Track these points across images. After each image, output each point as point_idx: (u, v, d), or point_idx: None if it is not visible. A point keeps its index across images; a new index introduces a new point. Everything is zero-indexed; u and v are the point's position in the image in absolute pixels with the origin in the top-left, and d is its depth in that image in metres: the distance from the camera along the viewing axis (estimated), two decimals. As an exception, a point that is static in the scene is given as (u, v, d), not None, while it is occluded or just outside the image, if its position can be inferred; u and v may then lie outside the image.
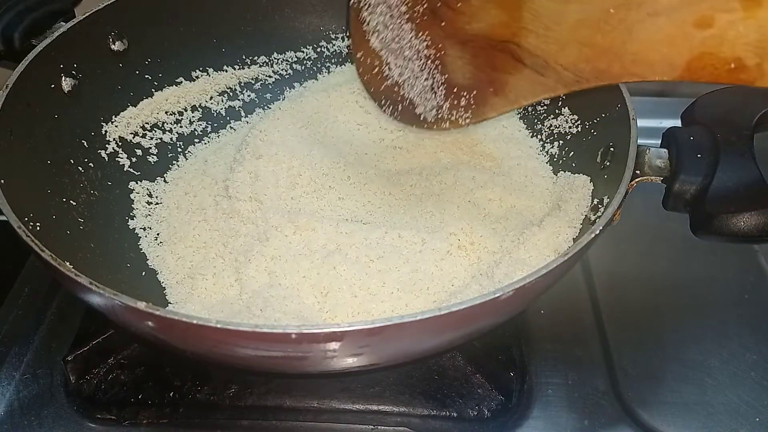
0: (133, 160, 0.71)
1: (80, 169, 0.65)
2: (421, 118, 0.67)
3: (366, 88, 0.71)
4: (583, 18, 0.51)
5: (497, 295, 0.43)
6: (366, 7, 0.67)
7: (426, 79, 0.65)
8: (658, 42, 0.47)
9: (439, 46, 0.63)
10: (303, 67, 0.82)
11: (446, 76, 0.64)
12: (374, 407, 0.60)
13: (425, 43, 0.64)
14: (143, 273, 0.63)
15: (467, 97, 0.63)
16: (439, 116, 0.66)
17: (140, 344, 0.63)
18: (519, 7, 0.55)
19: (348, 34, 0.72)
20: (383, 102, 0.70)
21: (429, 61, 0.64)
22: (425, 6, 0.63)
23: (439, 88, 0.65)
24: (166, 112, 0.75)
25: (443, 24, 0.62)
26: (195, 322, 0.41)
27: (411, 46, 0.65)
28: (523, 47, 0.56)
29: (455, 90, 0.64)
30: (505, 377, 0.60)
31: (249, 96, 0.80)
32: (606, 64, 0.51)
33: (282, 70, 0.82)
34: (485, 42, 0.59)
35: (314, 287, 0.58)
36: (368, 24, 0.67)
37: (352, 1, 0.69)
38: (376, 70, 0.68)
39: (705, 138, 0.54)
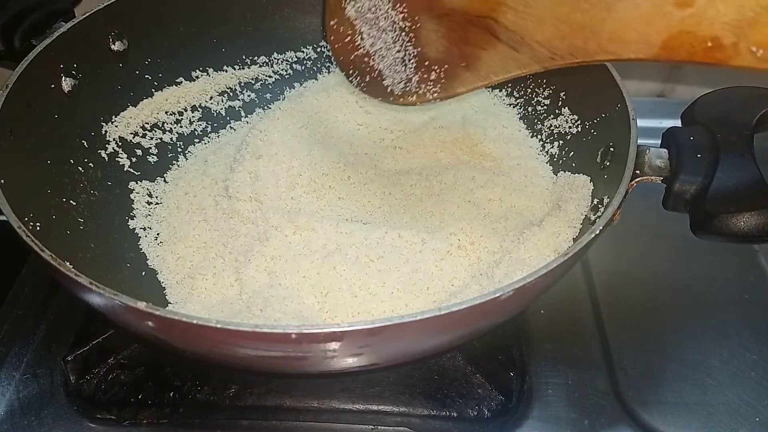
0: (133, 160, 0.71)
1: (80, 169, 0.65)
2: (389, 91, 0.67)
3: (335, 57, 0.70)
4: None
5: (497, 295, 0.43)
6: None
7: (398, 51, 0.64)
8: (636, 20, 0.47)
9: (416, 18, 0.62)
10: (303, 67, 0.82)
11: (419, 48, 0.63)
12: (374, 407, 0.60)
13: (402, 15, 0.63)
14: (143, 273, 0.63)
15: (438, 71, 0.62)
16: (407, 89, 0.65)
17: (140, 344, 0.63)
18: None
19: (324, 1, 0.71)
20: (351, 72, 0.69)
21: (403, 33, 0.64)
22: None
23: (410, 60, 0.64)
24: (166, 112, 0.75)
25: None
26: (195, 322, 0.41)
27: (387, 16, 0.64)
28: (500, 22, 0.56)
29: (426, 63, 0.63)
30: (505, 377, 0.60)
31: (249, 96, 0.80)
32: (582, 42, 0.51)
33: (282, 70, 0.82)
34: (462, 16, 0.59)
35: (314, 287, 0.58)
36: None
37: None
38: (348, 39, 0.67)
39: (705, 138, 0.54)
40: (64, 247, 0.56)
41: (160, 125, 0.75)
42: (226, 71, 0.79)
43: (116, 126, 0.71)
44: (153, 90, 0.75)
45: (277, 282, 0.58)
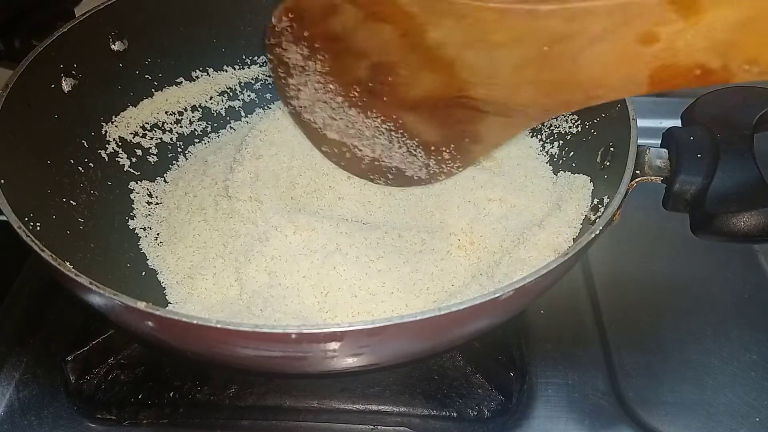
0: (133, 160, 0.71)
1: (80, 169, 0.65)
2: (414, 178, 0.65)
3: (348, 172, 0.68)
4: (520, 62, 0.48)
5: (497, 295, 0.43)
6: (304, 109, 0.64)
7: (399, 147, 0.62)
8: (610, 65, 0.44)
9: (394, 117, 0.60)
10: (303, 67, 0.82)
11: (416, 139, 0.61)
12: (374, 407, 0.60)
13: (379, 119, 0.61)
14: (143, 273, 0.63)
15: (448, 151, 0.61)
16: (431, 172, 0.63)
17: (140, 344, 0.63)
18: (451, 66, 0.51)
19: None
20: (372, 177, 0.67)
21: (392, 133, 0.61)
22: (359, 90, 0.59)
23: (416, 150, 0.62)
24: (166, 112, 0.75)
25: (385, 99, 0.58)
26: (195, 322, 0.41)
27: (367, 126, 0.62)
28: (476, 98, 0.53)
29: (433, 149, 0.61)
30: (505, 377, 0.60)
31: (249, 96, 0.80)
32: (568, 95, 0.48)
33: (282, 70, 0.82)
34: (436, 102, 0.56)
35: (314, 287, 0.58)
36: (315, 123, 0.65)
37: (290, 111, 0.66)
38: (346, 154, 0.66)
39: (705, 138, 0.54)
40: (64, 247, 0.56)
41: (160, 125, 0.75)
42: (226, 71, 0.79)
43: (116, 126, 0.71)
44: (153, 90, 0.74)
45: (277, 282, 0.58)
